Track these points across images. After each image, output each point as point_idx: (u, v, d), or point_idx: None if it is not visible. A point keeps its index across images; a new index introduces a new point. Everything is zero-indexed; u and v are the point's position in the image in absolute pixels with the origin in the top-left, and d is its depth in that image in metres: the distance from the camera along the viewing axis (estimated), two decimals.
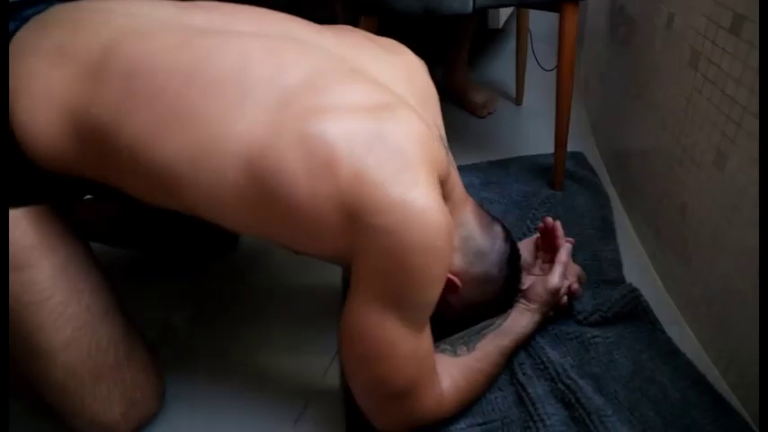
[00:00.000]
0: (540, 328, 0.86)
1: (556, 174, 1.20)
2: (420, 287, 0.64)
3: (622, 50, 1.25)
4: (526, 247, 0.92)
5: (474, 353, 0.77)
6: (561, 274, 0.85)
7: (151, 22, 0.67)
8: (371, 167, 0.60)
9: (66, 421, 0.75)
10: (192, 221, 0.70)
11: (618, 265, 1.03)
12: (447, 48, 1.58)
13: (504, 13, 1.77)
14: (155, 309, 1.00)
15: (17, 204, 0.67)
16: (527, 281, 0.87)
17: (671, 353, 0.85)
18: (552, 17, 1.11)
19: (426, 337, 0.69)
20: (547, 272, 0.86)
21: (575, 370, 0.82)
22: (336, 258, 0.68)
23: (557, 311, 0.88)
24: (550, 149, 1.20)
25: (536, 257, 0.92)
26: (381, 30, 1.03)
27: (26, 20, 0.67)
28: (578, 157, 1.33)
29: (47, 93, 0.63)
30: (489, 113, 1.59)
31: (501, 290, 0.82)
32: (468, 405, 0.77)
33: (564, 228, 0.90)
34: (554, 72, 1.15)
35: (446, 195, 0.71)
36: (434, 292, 0.66)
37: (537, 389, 0.79)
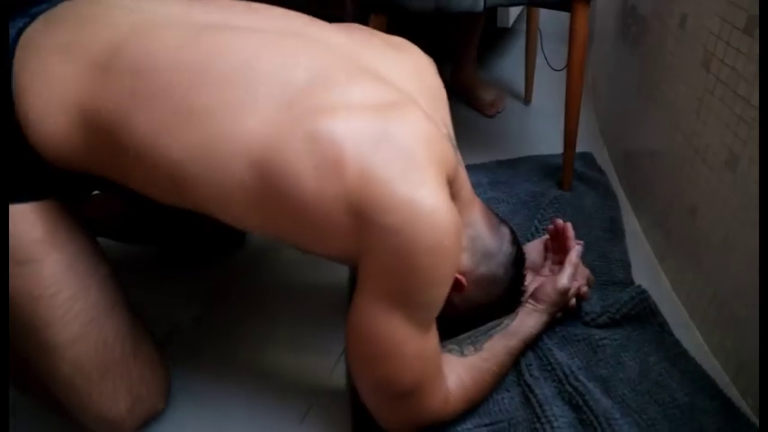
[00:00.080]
0: (548, 328, 0.86)
1: (564, 174, 1.20)
2: (427, 287, 0.64)
3: (633, 50, 1.24)
4: (535, 248, 0.92)
5: (481, 353, 0.76)
6: (571, 276, 0.84)
7: (159, 17, 0.67)
8: (378, 166, 0.59)
9: (74, 417, 0.75)
10: (199, 219, 0.70)
11: (626, 266, 1.02)
12: (456, 46, 1.57)
13: (514, 11, 1.77)
14: (161, 306, 1.00)
15: (25, 199, 0.67)
16: (536, 281, 0.87)
17: (679, 356, 0.84)
18: (562, 16, 1.10)
19: (433, 336, 0.69)
20: (556, 273, 0.86)
21: (582, 372, 0.81)
22: (343, 258, 0.68)
23: (564, 313, 0.88)
24: (559, 149, 1.19)
25: (545, 259, 0.92)
26: (390, 28, 1.02)
27: (35, 16, 0.67)
28: (587, 158, 1.32)
29: (55, 89, 0.63)
30: (498, 112, 1.58)
31: (505, 292, 0.81)
32: (475, 405, 0.77)
33: (572, 228, 0.89)
34: (563, 72, 1.15)
35: (454, 195, 0.70)
36: (442, 292, 0.65)
37: (544, 390, 0.78)
